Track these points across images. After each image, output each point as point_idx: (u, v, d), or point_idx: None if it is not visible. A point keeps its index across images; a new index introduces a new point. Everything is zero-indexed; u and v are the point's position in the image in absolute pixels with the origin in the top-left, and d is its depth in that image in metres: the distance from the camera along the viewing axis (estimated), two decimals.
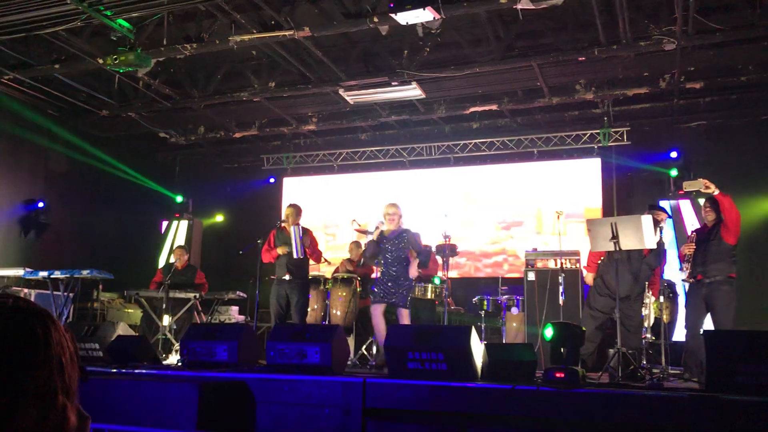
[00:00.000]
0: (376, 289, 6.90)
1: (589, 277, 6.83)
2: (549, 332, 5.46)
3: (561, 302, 7.17)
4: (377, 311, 6.85)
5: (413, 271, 7.03)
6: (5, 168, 10.50)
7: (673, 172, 10.32)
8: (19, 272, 8.72)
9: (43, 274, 8.48)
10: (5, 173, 10.50)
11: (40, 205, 10.90)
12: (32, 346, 1.09)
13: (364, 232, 7.69)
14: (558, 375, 4.84)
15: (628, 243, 5.96)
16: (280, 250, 7.61)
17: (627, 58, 8.65)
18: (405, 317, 6.82)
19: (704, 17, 7.68)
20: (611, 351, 5.91)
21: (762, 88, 9.68)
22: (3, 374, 1.05)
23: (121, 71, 8.70)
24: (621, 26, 7.82)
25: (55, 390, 1.10)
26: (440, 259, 8.52)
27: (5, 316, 1.10)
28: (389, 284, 6.80)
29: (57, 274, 8.40)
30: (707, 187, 6.28)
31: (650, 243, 5.99)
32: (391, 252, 6.91)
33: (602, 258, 6.64)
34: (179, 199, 12.83)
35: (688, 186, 6.50)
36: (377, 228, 6.93)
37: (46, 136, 11.13)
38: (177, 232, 12.59)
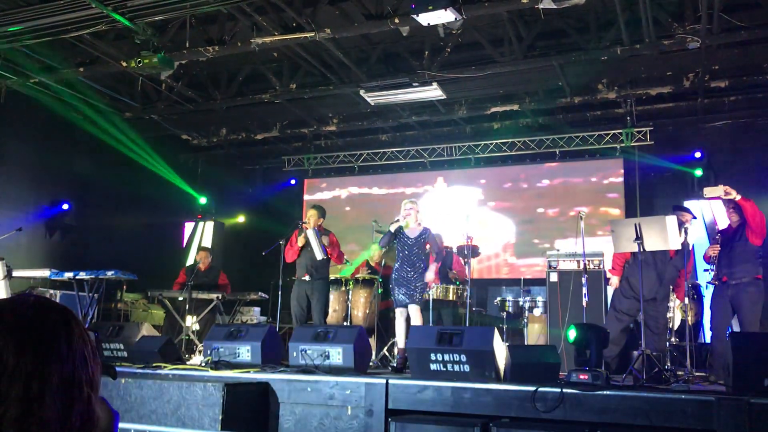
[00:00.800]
0: (394, 292, 6.87)
1: (614, 280, 6.76)
2: (572, 334, 5.42)
3: (584, 304, 7.10)
4: (400, 316, 6.84)
5: (430, 275, 6.98)
6: (31, 170, 10.65)
7: (698, 172, 10.21)
8: (45, 273, 8.84)
9: (69, 275, 8.59)
10: (31, 175, 10.65)
11: (66, 207, 11.04)
12: (55, 339, 1.13)
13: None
14: (582, 377, 4.81)
15: (652, 244, 5.90)
16: (300, 241, 7.61)
17: (650, 57, 8.56)
18: (416, 314, 6.75)
19: (729, 15, 7.58)
20: (635, 353, 5.85)
21: None
22: (28, 367, 1.08)
23: (144, 74, 8.79)
24: (644, 25, 7.74)
25: (80, 382, 1.13)
26: (462, 260, 8.51)
27: (29, 311, 1.14)
28: (404, 283, 6.76)
29: (82, 275, 8.50)
30: (728, 194, 6.18)
31: (675, 244, 5.92)
32: (409, 251, 6.87)
33: (628, 260, 6.58)
34: (203, 200, 12.92)
35: (709, 192, 6.40)
36: (396, 221, 6.90)
37: (70, 138, 11.28)
38: (201, 234, 12.68)
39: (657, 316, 6.40)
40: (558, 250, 8.28)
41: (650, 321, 6.27)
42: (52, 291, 9.10)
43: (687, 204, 8.91)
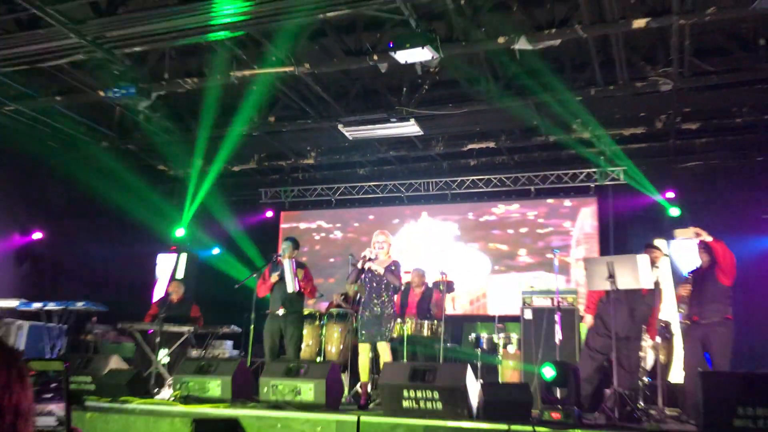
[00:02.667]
0: (360, 326, 6.75)
1: (588, 318, 6.78)
2: (549, 372, 5.40)
3: (557, 341, 7.12)
4: (364, 350, 6.73)
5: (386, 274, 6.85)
6: (3, 198, 10.51)
7: (674, 211, 10.28)
8: (14, 303, 8.69)
9: (38, 305, 8.45)
10: (3, 204, 10.50)
11: (37, 236, 10.88)
12: None
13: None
14: (554, 415, 4.80)
15: (624, 282, 5.95)
16: (272, 278, 7.57)
17: (623, 99, 8.74)
18: (386, 351, 6.65)
19: (699, 59, 7.79)
20: (608, 391, 5.86)
21: (757, 129, 9.77)
22: None
23: (122, 104, 8.77)
24: (618, 67, 7.92)
25: (0, 408, 1.11)
26: (436, 296, 8.50)
27: None
28: (372, 318, 6.63)
29: (51, 306, 8.37)
30: (698, 235, 6.28)
31: (646, 282, 5.98)
32: (377, 283, 6.75)
33: (602, 298, 6.61)
34: (181, 231, 12.79)
35: (680, 234, 6.51)
36: (364, 256, 6.82)
37: (45, 167, 11.17)
38: (176, 266, 12.54)
39: (630, 354, 6.41)
40: (532, 287, 8.31)
41: (623, 359, 6.27)
42: (19, 321, 8.92)
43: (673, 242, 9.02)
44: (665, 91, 8.12)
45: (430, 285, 8.87)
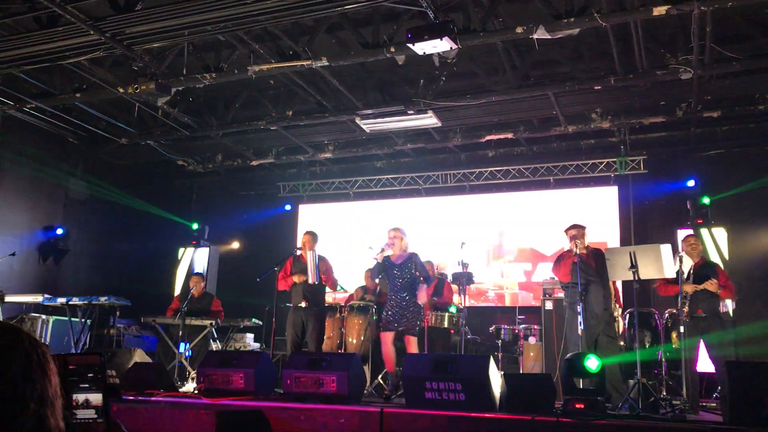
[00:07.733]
0: (384, 316, 6.89)
1: None
2: (594, 362, 5.30)
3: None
4: (387, 339, 6.84)
5: (422, 297, 7.01)
6: (26, 195, 10.63)
7: (706, 200, 10.10)
8: (38, 298, 8.81)
9: (62, 300, 8.56)
10: (26, 200, 10.63)
11: (60, 231, 11.01)
12: None
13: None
14: (578, 406, 4.78)
15: (647, 272, 5.92)
16: (295, 278, 7.62)
17: (643, 87, 8.65)
18: (413, 345, 6.77)
19: (720, 47, 7.68)
20: (631, 382, 5.84)
21: None
22: None
23: (142, 100, 8.82)
24: (637, 55, 7.83)
25: (23, 398, 1.12)
26: (456, 288, 8.49)
27: None
28: (398, 310, 6.79)
29: (75, 301, 8.47)
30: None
31: (669, 272, 5.97)
32: (399, 277, 6.91)
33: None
34: (195, 226, 12.89)
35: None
36: (382, 250, 6.95)
37: (66, 163, 11.29)
38: (194, 260, 12.63)
39: None
40: (553, 278, 8.26)
41: None
42: (44, 316, 9.04)
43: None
44: (686, 79, 8.03)
45: (450, 277, 8.88)
